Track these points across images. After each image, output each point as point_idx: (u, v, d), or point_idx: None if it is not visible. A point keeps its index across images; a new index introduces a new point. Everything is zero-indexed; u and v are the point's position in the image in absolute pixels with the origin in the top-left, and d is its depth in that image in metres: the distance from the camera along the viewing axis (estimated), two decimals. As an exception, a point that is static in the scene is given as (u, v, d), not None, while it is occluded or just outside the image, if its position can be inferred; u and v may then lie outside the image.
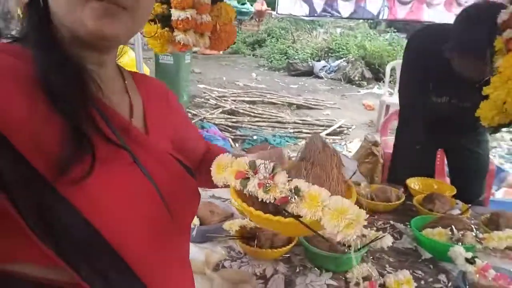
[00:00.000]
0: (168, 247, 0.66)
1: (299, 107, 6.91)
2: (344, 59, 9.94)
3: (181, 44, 1.33)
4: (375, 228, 1.48)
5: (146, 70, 4.70)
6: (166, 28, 1.41)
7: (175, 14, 1.54)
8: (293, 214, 0.63)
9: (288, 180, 0.65)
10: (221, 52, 13.13)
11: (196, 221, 1.29)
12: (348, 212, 0.59)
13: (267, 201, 0.65)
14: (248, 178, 0.66)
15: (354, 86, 9.12)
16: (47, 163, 0.50)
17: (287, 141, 5.13)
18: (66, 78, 0.55)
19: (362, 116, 6.70)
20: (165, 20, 1.47)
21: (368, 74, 9.38)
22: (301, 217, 0.63)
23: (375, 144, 2.50)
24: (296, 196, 0.62)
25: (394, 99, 5.75)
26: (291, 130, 5.56)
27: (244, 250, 1.21)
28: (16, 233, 0.49)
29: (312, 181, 0.66)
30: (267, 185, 0.64)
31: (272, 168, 0.66)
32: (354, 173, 1.79)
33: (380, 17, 4.74)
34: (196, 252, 1.15)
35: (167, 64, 5.68)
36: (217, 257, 1.08)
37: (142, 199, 0.60)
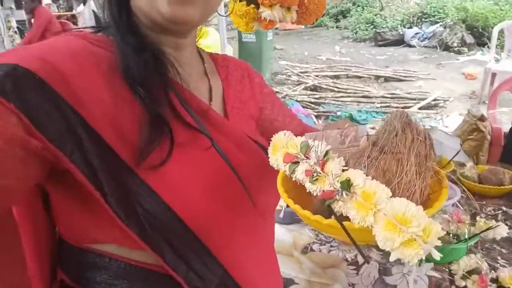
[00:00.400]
0: (250, 231, 0.65)
1: (387, 79, 6.45)
2: (441, 23, 8.94)
3: (267, 21, 1.28)
4: (484, 216, 1.31)
5: (230, 49, 4.79)
6: (252, 5, 1.37)
7: None
8: (339, 215, 0.49)
9: (343, 170, 0.50)
10: (302, 26, 12.81)
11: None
12: (411, 223, 0.42)
13: (315, 194, 0.51)
14: (298, 162, 0.54)
15: (452, 53, 8.19)
16: (128, 149, 0.51)
17: (374, 117, 4.84)
18: (145, 63, 0.56)
19: (461, 87, 6.00)
20: None
21: (469, 39, 8.33)
22: (348, 220, 0.48)
23: (481, 118, 2.19)
24: (345, 192, 0.47)
25: (502, 66, 5.03)
26: (378, 105, 5.23)
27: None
28: (100, 216, 0.52)
29: (374, 173, 0.50)
30: (315, 173, 0.51)
31: (325, 152, 0.52)
32: (458, 153, 1.61)
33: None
34: (284, 234, 1.13)
35: (249, 42, 5.71)
36: (305, 239, 1.04)
37: (221, 184, 0.59)
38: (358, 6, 11.75)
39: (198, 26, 0.67)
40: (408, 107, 5.07)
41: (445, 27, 8.69)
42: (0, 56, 0.49)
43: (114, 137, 0.51)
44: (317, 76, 6.50)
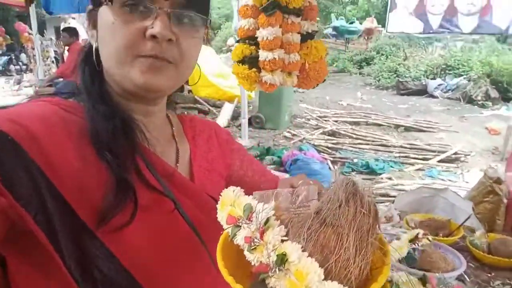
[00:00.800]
0: None
1: (407, 129, 6.39)
2: (465, 76, 8.92)
3: (268, 84, 1.34)
4: (491, 290, 1.23)
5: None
6: (254, 69, 1.43)
7: (263, 55, 1.56)
8: None
9: (282, 240, 0.48)
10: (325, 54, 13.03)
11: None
12: None
13: (253, 264, 0.48)
14: (240, 226, 0.50)
15: (475, 106, 8.10)
16: (91, 212, 0.52)
17: (391, 166, 4.75)
18: (114, 129, 0.58)
19: (484, 142, 5.86)
20: (252, 61, 1.49)
21: (493, 94, 8.24)
22: None
23: (498, 181, 2.12)
24: (278, 268, 0.45)
25: (527, 124, 4.90)
26: (397, 155, 5.15)
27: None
28: (57, 279, 0.51)
29: (312, 249, 0.47)
30: (254, 241, 0.48)
31: (265, 220, 0.49)
32: (468, 218, 1.55)
33: (510, 31, 4.13)
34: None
35: (270, 84, 5.82)
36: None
37: (183, 246, 0.60)
38: (382, 54, 11.94)
39: (168, 94, 0.70)
40: (428, 159, 4.97)
41: (469, 80, 8.66)
42: None
43: (78, 200, 0.52)
44: (336, 121, 6.52)
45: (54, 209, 0.50)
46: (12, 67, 12.35)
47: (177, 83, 0.64)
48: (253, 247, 0.48)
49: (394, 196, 3.85)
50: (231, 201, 0.54)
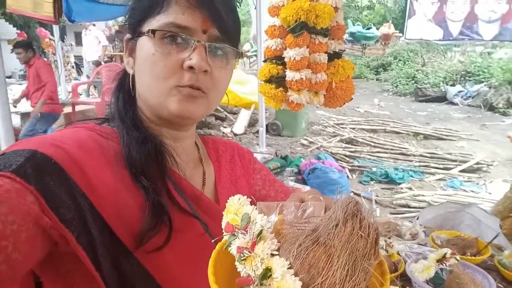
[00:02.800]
0: None
1: (427, 137, 6.28)
2: (486, 83, 8.74)
3: (294, 103, 1.34)
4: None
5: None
6: (280, 88, 1.42)
7: (290, 75, 1.56)
8: None
9: (272, 254, 0.46)
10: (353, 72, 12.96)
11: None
12: None
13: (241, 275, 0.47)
14: (235, 235, 0.50)
15: (497, 114, 7.91)
16: (129, 233, 0.55)
17: (411, 176, 4.67)
18: (147, 154, 0.62)
19: (506, 151, 5.71)
20: (279, 81, 1.49)
21: (516, 101, 8.04)
22: None
23: (526, 195, 2.07)
24: (260, 282, 0.44)
25: (552, 133, 4.76)
26: (416, 164, 5.06)
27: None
28: None
29: (299, 267, 0.45)
30: (245, 252, 0.47)
31: (259, 230, 0.48)
32: (496, 236, 1.51)
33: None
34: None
35: (288, 92, 5.81)
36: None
37: None
38: (400, 60, 11.80)
39: (198, 121, 0.74)
40: (449, 169, 4.87)
41: (490, 87, 8.48)
42: (19, 143, 0.55)
43: (117, 221, 0.55)
44: (353, 128, 6.46)
45: (95, 230, 0.52)
46: (34, 72, 12.65)
47: (208, 111, 0.67)
48: (243, 258, 0.47)
49: (415, 207, 3.78)
50: (235, 210, 0.53)
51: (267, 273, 0.44)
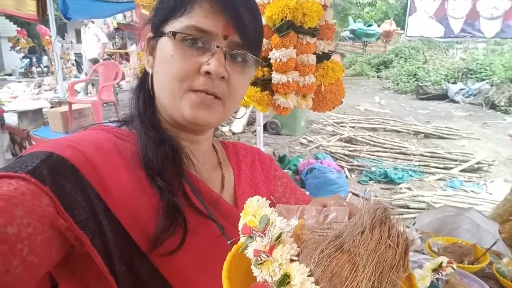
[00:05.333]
0: None
1: (427, 136, 6.23)
2: (487, 81, 8.67)
3: (281, 107, 1.27)
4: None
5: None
6: (266, 92, 1.36)
7: (276, 77, 1.47)
8: None
9: (292, 260, 0.43)
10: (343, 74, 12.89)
11: None
12: None
13: (257, 280, 0.45)
14: (252, 237, 0.47)
15: (499, 112, 7.85)
16: (143, 235, 0.54)
17: (410, 176, 4.62)
18: (164, 155, 0.61)
19: (508, 150, 5.65)
20: (265, 84, 1.42)
21: (518, 99, 7.97)
22: None
23: (526, 199, 2.02)
24: None
25: (555, 133, 4.70)
26: (416, 163, 5.01)
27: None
28: None
29: (321, 275, 0.42)
30: (262, 256, 0.44)
31: (278, 234, 0.45)
32: (495, 243, 1.46)
33: (537, 37, 3.97)
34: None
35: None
36: None
37: None
38: (401, 57, 11.72)
39: (214, 127, 0.73)
40: (449, 168, 4.82)
41: (491, 85, 8.40)
42: (37, 146, 0.55)
43: (131, 223, 0.54)
44: (353, 127, 6.41)
45: (109, 232, 0.52)
46: (34, 69, 12.65)
47: (223, 117, 0.67)
48: (260, 262, 0.44)
49: (414, 208, 3.73)
50: (253, 212, 0.50)
51: (285, 280, 0.41)
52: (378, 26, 12.96)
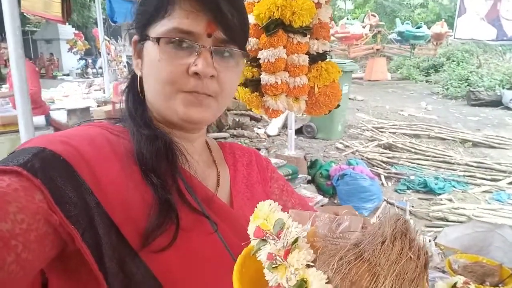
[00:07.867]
0: None
1: (475, 144, 5.82)
2: (549, 87, 7.95)
3: (271, 109, 1.22)
4: None
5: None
6: (256, 93, 1.31)
7: (264, 78, 1.43)
8: None
9: (308, 266, 0.42)
10: (389, 78, 12.43)
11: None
12: None
13: (270, 285, 0.44)
14: (265, 241, 0.46)
15: (561, 122, 7.17)
16: (134, 232, 0.54)
17: (453, 186, 4.33)
18: (157, 151, 0.61)
19: None
20: (254, 85, 1.36)
21: None
22: None
23: None
24: None
25: None
26: (461, 173, 4.69)
27: None
28: None
29: (340, 283, 0.41)
30: (277, 260, 0.43)
31: (294, 239, 0.44)
32: (523, 266, 1.32)
33: None
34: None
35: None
36: None
37: (220, 270, 0.59)
38: (453, 61, 11.09)
39: (208, 124, 0.73)
40: (497, 180, 4.46)
41: (553, 92, 7.70)
42: (29, 142, 0.56)
43: (123, 220, 0.54)
44: (394, 133, 6.14)
45: (101, 228, 0.52)
46: (89, 70, 13.44)
47: (217, 114, 0.67)
48: (274, 266, 0.44)
49: (453, 221, 3.48)
50: (265, 215, 0.50)
51: (302, 285, 0.41)
52: (429, 28, 12.36)
